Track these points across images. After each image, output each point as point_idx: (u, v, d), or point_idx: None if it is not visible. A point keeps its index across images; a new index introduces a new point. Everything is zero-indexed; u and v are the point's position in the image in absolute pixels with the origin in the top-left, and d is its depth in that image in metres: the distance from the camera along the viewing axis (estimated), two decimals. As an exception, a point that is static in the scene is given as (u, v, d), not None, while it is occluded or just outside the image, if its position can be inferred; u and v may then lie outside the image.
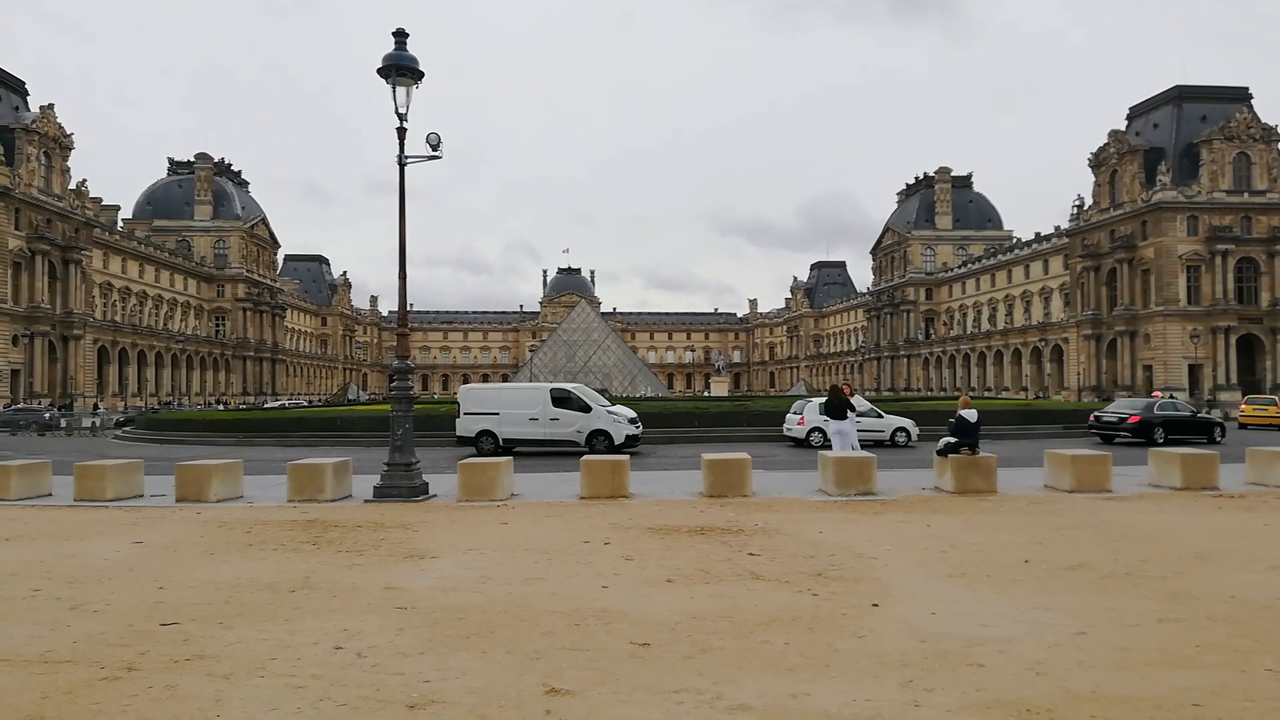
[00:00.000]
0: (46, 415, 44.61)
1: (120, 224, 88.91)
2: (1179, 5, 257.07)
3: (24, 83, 68.34)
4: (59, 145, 67.48)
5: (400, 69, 13.57)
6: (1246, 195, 65.95)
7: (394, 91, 13.61)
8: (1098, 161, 73.82)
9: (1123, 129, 72.90)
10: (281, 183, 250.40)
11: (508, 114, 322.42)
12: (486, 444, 22.99)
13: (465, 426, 23.32)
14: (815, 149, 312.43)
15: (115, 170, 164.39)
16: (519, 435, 23.17)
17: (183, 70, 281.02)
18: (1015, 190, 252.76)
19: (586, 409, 23.19)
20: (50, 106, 66.77)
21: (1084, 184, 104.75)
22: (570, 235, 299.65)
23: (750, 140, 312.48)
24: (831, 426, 17.22)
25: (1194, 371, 64.80)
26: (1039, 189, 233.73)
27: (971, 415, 14.36)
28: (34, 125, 64.49)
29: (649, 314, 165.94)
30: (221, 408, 67.18)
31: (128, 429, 39.11)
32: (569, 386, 24.48)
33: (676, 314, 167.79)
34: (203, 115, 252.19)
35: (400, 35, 13.76)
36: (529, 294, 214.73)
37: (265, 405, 57.25)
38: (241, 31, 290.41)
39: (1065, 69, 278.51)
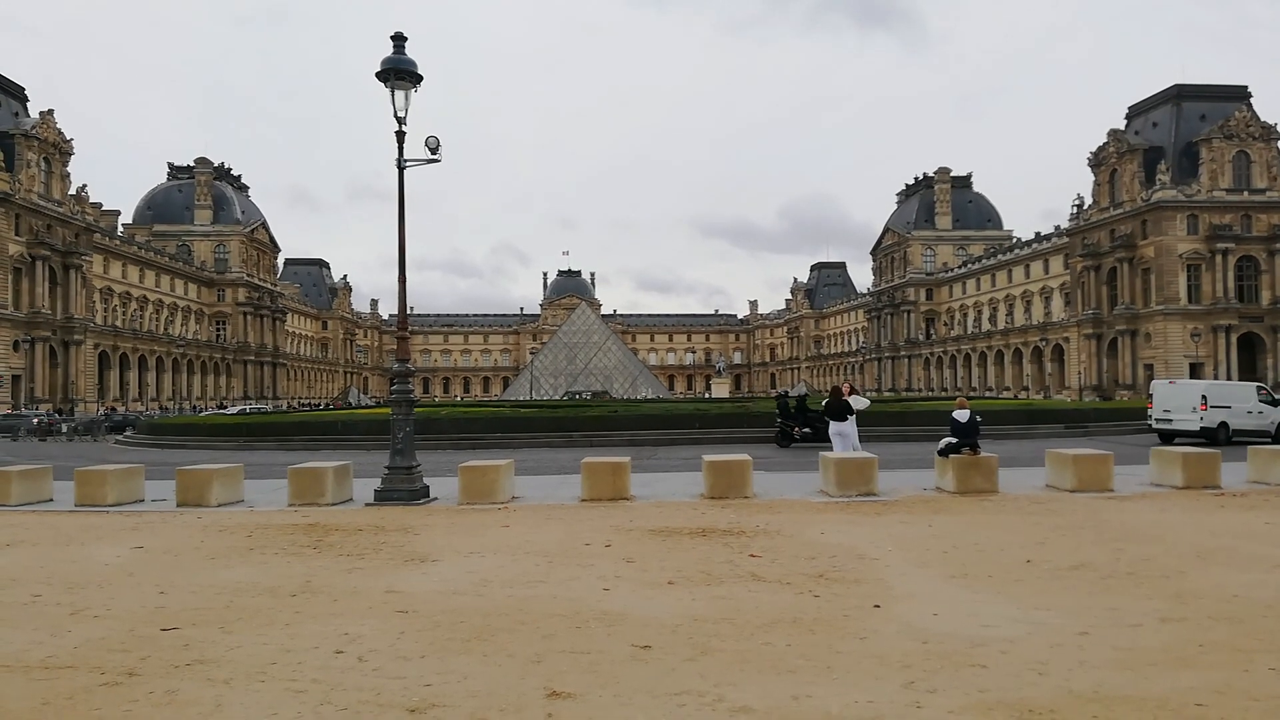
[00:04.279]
0: (35, 420, 44.61)
1: (120, 229, 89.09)
2: (1171, 9, 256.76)
3: (24, 88, 68.44)
4: (59, 151, 67.55)
5: (399, 73, 13.57)
6: (1246, 194, 65.95)
7: (393, 95, 13.60)
8: (1097, 161, 73.83)
9: (1122, 128, 72.90)
10: (269, 187, 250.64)
11: (487, 120, 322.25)
12: (1223, 435, 25.04)
13: (1211, 418, 25.32)
14: (796, 153, 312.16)
15: (115, 176, 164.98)
16: (1242, 426, 25.64)
17: (178, 76, 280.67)
18: (1015, 191, 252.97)
19: (1276, 404, 26.35)
20: (50, 112, 66.85)
21: (1084, 183, 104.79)
22: (555, 238, 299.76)
23: (728, 144, 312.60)
24: (832, 427, 17.33)
25: (1195, 370, 64.73)
26: (1039, 189, 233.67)
27: (963, 416, 14.40)
28: (34, 131, 64.56)
29: (649, 316, 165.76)
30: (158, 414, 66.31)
31: (128, 433, 39.18)
32: (1264, 385, 28.25)
33: (676, 316, 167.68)
34: (199, 120, 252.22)
35: (399, 39, 13.75)
36: (521, 295, 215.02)
37: (227, 410, 57.72)
38: (231, 36, 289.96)
39: (1062, 70, 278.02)
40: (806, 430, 26.00)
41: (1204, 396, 25.67)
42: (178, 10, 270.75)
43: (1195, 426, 25.28)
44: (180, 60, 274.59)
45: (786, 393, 30.96)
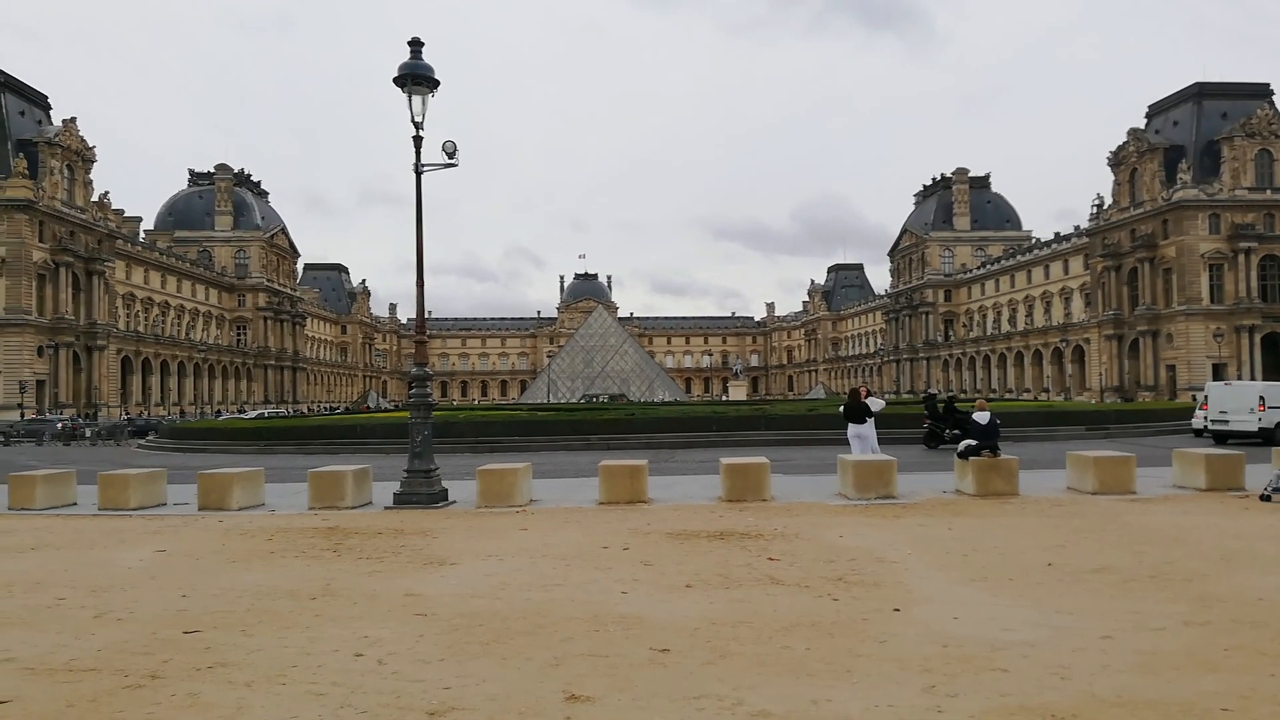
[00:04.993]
0: (59, 425, 45.57)
1: (142, 235, 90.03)
2: (1180, 6, 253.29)
3: (46, 96, 69.26)
4: (81, 158, 68.31)
5: (416, 78, 13.65)
6: (1269, 192, 65.22)
7: (410, 100, 13.68)
8: (1117, 160, 73.23)
9: (1142, 127, 72.28)
10: (282, 191, 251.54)
11: (494, 123, 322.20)
12: (1279, 435, 25.24)
13: (1269, 419, 25.61)
14: (805, 154, 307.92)
15: (123, 179, 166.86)
16: None
17: (180, 78, 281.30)
18: (1027, 190, 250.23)
19: None
20: (73, 120, 67.61)
21: (1098, 182, 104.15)
22: (567, 241, 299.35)
23: (736, 146, 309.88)
24: (850, 430, 17.23)
25: (1218, 371, 64.00)
26: (1052, 188, 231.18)
27: (983, 418, 14.34)
28: (57, 139, 65.31)
29: (665, 318, 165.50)
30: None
31: (151, 438, 39.58)
32: None
33: (692, 318, 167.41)
34: (206, 124, 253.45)
35: (415, 44, 13.84)
36: (537, 299, 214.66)
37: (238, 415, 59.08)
38: (239, 41, 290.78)
39: (1072, 69, 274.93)
40: (956, 432, 25.80)
41: (1261, 398, 25.95)
42: (183, 15, 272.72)
43: (1253, 427, 25.53)
44: (185, 63, 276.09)
45: (935, 394, 31.14)
